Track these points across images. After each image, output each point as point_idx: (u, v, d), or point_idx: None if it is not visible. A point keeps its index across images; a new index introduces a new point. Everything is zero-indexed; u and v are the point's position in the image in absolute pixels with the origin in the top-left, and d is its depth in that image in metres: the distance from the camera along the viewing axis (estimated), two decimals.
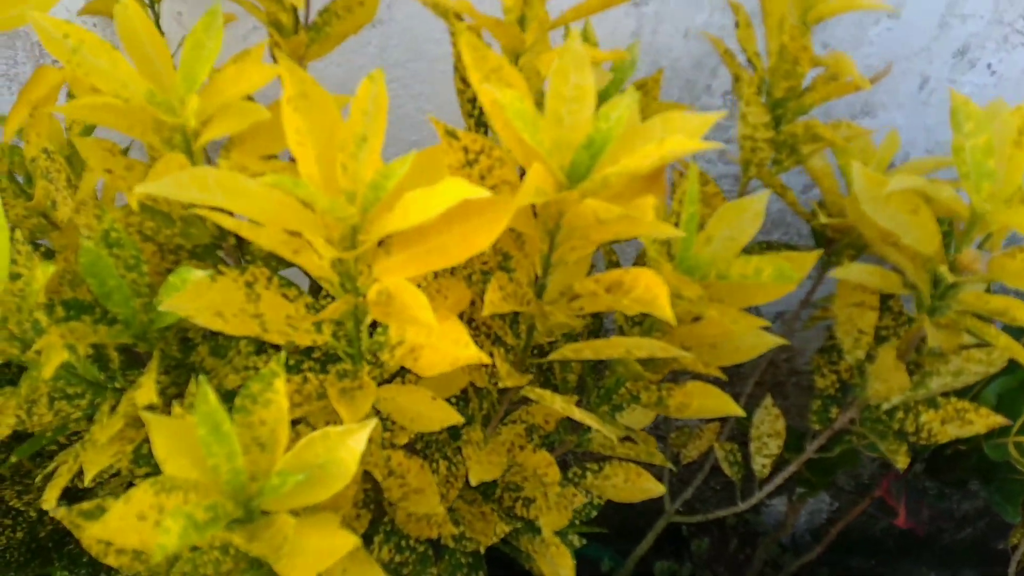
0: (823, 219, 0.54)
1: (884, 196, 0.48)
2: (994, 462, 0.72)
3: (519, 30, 0.42)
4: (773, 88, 0.51)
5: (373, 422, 0.35)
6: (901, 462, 0.55)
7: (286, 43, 0.47)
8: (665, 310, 0.34)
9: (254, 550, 0.35)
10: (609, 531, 1.02)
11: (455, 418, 0.42)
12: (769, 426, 0.71)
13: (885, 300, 0.61)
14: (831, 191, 0.57)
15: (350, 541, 0.35)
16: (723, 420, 0.77)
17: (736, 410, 0.50)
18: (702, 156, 0.77)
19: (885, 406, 0.59)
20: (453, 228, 0.33)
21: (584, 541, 0.70)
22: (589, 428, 0.60)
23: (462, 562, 0.61)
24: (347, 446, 0.35)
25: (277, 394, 0.36)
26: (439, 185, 0.30)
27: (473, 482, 0.45)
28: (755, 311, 0.94)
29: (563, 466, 0.63)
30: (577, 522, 0.71)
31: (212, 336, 0.51)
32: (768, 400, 0.71)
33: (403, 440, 0.51)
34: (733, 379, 0.96)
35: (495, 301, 0.35)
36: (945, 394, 0.65)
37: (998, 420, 0.56)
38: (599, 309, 0.40)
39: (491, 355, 0.42)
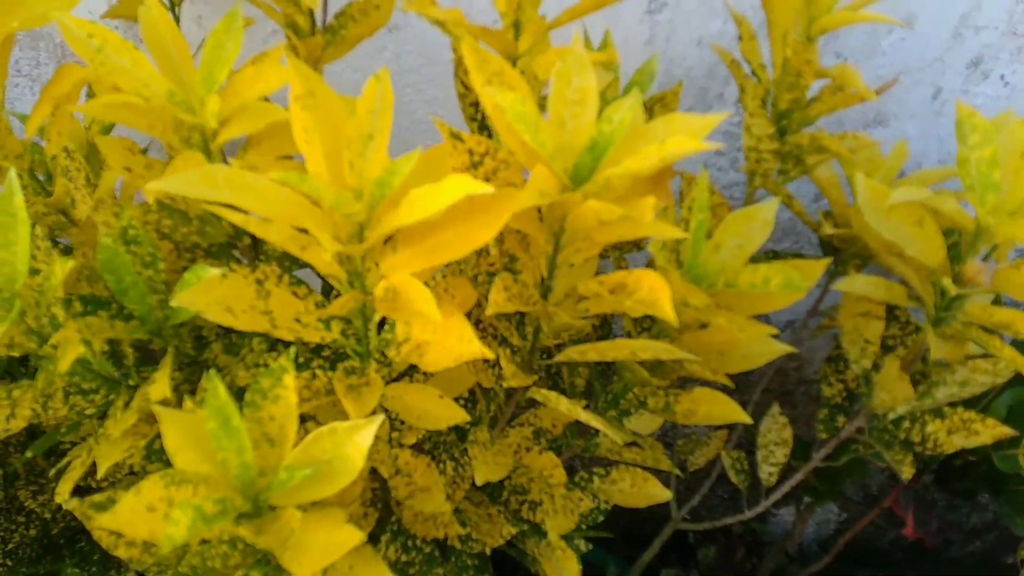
0: (828, 230, 0.54)
1: (887, 208, 0.48)
2: (1004, 473, 0.71)
3: (511, 36, 0.43)
4: (778, 100, 0.51)
5: (380, 418, 0.35)
6: (906, 472, 0.55)
7: (302, 45, 0.48)
8: (667, 311, 0.34)
9: (261, 543, 0.36)
10: (615, 537, 1.02)
11: (461, 416, 0.42)
12: (776, 434, 0.71)
13: (892, 310, 0.61)
14: (838, 201, 0.57)
15: (356, 536, 0.35)
16: (731, 428, 0.77)
17: (743, 417, 0.50)
18: (713, 164, 0.77)
19: (891, 416, 0.59)
20: (456, 224, 0.34)
21: (590, 546, 0.71)
22: (596, 433, 0.60)
23: (468, 564, 0.61)
24: (354, 442, 0.36)
25: (286, 390, 0.36)
26: (444, 182, 0.31)
27: (478, 481, 0.45)
28: (764, 319, 0.94)
29: (570, 471, 0.63)
30: (583, 526, 0.71)
31: (226, 334, 0.52)
32: (775, 408, 0.71)
33: (411, 440, 0.52)
34: (741, 387, 0.96)
35: (499, 301, 0.36)
36: (953, 404, 0.65)
37: (1004, 431, 0.56)
38: (604, 311, 0.41)
39: (497, 356, 0.43)
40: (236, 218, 0.33)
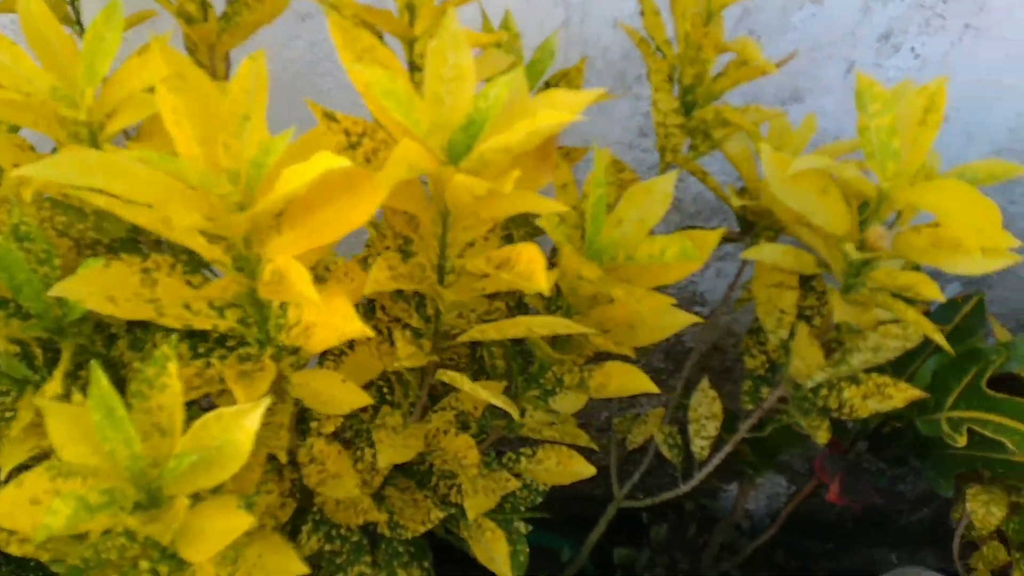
0: (737, 202, 0.55)
1: (792, 177, 0.49)
2: (929, 438, 0.73)
3: (407, 20, 0.43)
4: (683, 75, 0.52)
5: (266, 402, 0.35)
6: (821, 438, 0.56)
7: (194, 32, 0.48)
8: (541, 283, 0.35)
9: (148, 532, 0.35)
10: (568, 521, 1.02)
11: (364, 400, 0.42)
12: (707, 408, 0.72)
13: (807, 280, 0.62)
14: (749, 175, 0.58)
15: (247, 521, 0.35)
16: (666, 404, 0.78)
17: (650, 387, 0.51)
18: (638, 146, 0.78)
19: (810, 384, 0.60)
20: (336, 204, 0.34)
21: (530, 527, 0.71)
22: (522, 413, 0.61)
23: (400, 550, 0.61)
24: (242, 426, 0.35)
25: (171, 378, 0.36)
26: (311, 159, 0.31)
27: (381, 464, 0.45)
28: (700, 298, 0.95)
29: (500, 453, 0.63)
30: (522, 508, 0.72)
31: (131, 330, 0.51)
32: (704, 383, 0.72)
33: (330, 428, 0.52)
34: (680, 365, 0.98)
35: (380, 279, 0.36)
36: (880, 370, 0.67)
37: (916, 393, 0.57)
38: (500, 288, 0.41)
39: (388, 336, 0.43)
40: (101, 200, 0.32)
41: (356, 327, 0.34)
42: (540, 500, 0.71)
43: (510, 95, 0.36)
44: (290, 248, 0.35)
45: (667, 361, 1.02)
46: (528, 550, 0.69)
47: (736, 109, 0.52)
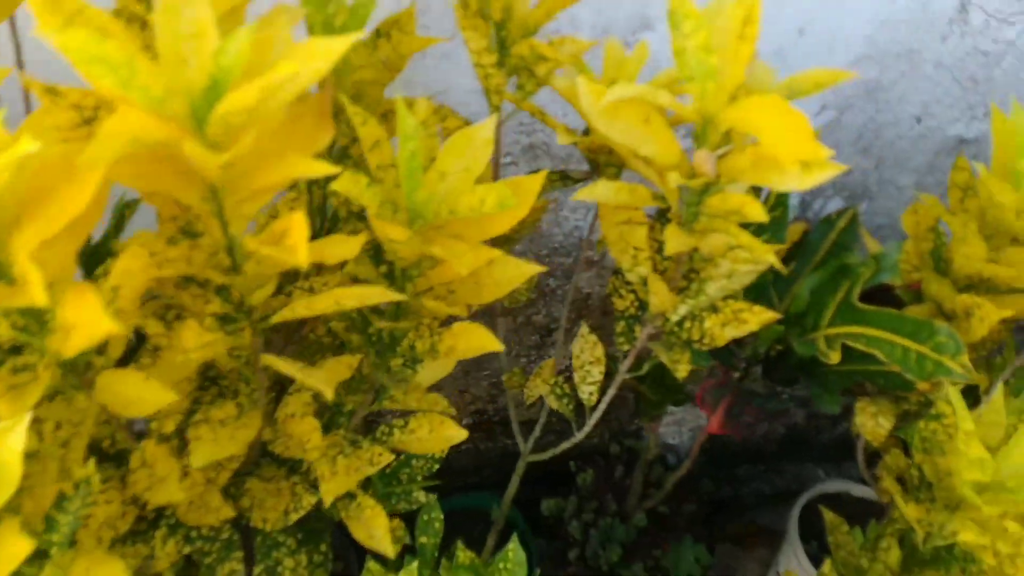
0: (565, 139, 0.53)
1: (610, 108, 0.47)
2: (811, 358, 0.74)
3: None
4: (492, 11, 0.49)
5: (27, 416, 0.32)
6: (681, 371, 0.55)
7: None
8: (301, 256, 0.32)
9: None
10: (501, 482, 1.02)
11: (170, 397, 0.40)
12: (589, 354, 0.71)
13: (664, 213, 0.61)
14: (581, 110, 0.56)
15: (27, 546, 0.33)
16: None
17: (496, 345, 0.49)
18: None
19: (675, 317, 0.59)
20: (59, 192, 0.31)
21: (430, 495, 0.70)
22: (384, 388, 0.59)
23: (279, 540, 0.60)
24: (7, 446, 0.33)
25: None
26: (9, 147, 0.27)
27: (195, 464, 0.43)
28: (589, 244, 0.94)
29: (374, 426, 0.62)
30: (419, 477, 0.71)
31: None
32: (584, 328, 0.71)
33: (171, 427, 0.49)
34: (582, 314, 0.97)
35: (133, 270, 0.33)
36: (760, 296, 0.66)
37: (770, 316, 0.57)
38: (286, 266, 0.38)
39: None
40: None
41: (105, 326, 0.31)
42: (437, 467, 0.70)
43: (254, 48, 0.33)
44: (29, 243, 0.32)
45: (569, 311, 1.02)
46: (442, 516, 0.69)
47: (551, 42, 0.50)
